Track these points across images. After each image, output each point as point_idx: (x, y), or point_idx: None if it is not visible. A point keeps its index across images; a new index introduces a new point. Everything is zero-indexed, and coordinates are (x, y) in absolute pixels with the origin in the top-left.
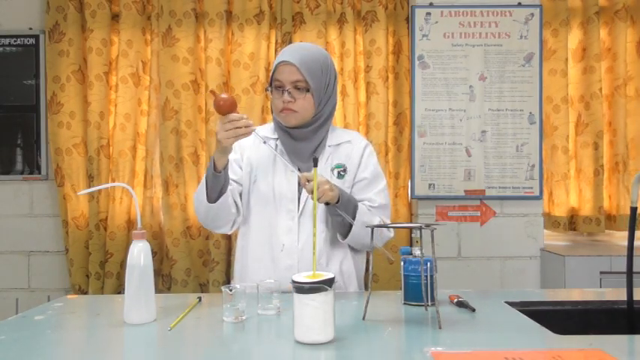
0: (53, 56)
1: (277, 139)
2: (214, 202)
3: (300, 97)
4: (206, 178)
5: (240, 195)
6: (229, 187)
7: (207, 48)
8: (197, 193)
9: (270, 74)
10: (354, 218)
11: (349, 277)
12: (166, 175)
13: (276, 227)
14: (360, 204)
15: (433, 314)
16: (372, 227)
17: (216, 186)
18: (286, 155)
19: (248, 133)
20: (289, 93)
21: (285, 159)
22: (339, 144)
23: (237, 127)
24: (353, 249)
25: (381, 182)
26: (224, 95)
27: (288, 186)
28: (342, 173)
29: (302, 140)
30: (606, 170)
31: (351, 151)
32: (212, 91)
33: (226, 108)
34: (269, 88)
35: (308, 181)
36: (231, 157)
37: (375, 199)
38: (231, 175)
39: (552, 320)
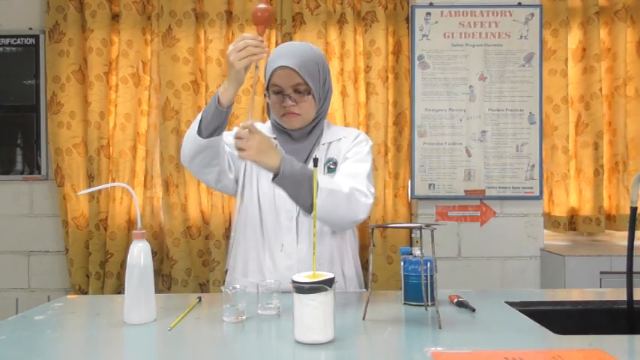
0: (53, 56)
1: (275, 138)
2: (205, 138)
3: (301, 100)
4: (203, 111)
5: (237, 180)
6: (229, 151)
7: (208, 48)
8: (189, 128)
9: (266, 77)
10: (311, 193)
11: (350, 279)
12: (166, 175)
13: (275, 227)
14: (321, 175)
15: (433, 314)
16: (373, 227)
17: (213, 123)
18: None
19: (262, 56)
20: (290, 97)
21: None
22: (331, 142)
23: (250, 47)
24: (353, 250)
25: (360, 152)
26: (262, 5)
27: None
28: (331, 167)
29: (300, 140)
30: (606, 170)
31: (344, 145)
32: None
33: (263, 20)
34: (266, 93)
35: (239, 137)
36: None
37: (341, 170)
38: (232, 149)
39: (552, 320)
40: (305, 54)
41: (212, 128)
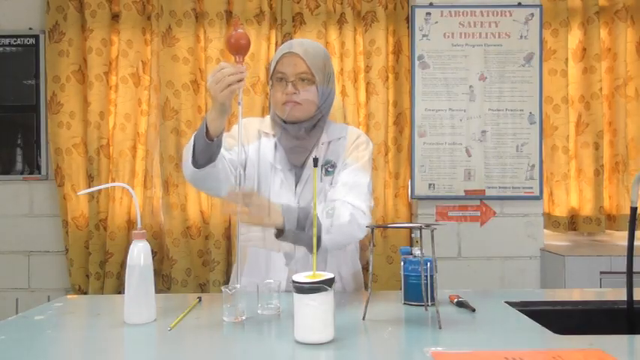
0: (53, 56)
1: (274, 135)
2: (200, 168)
3: (304, 90)
4: (195, 139)
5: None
6: (228, 158)
7: (208, 48)
8: (186, 150)
9: (272, 67)
10: (319, 236)
11: (347, 281)
12: (166, 175)
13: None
14: (320, 211)
15: (433, 314)
16: (373, 227)
17: (206, 153)
18: (284, 153)
19: (241, 82)
20: (293, 85)
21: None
22: (331, 141)
23: (228, 77)
24: (352, 251)
25: (361, 157)
26: (236, 32)
27: (286, 191)
28: (329, 170)
29: (300, 138)
30: (606, 170)
31: (342, 146)
32: (234, 22)
33: (235, 48)
34: (270, 82)
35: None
36: (233, 137)
37: (342, 179)
38: (231, 155)
39: (552, 320)
40: (313, 47)
41: (205, 158)
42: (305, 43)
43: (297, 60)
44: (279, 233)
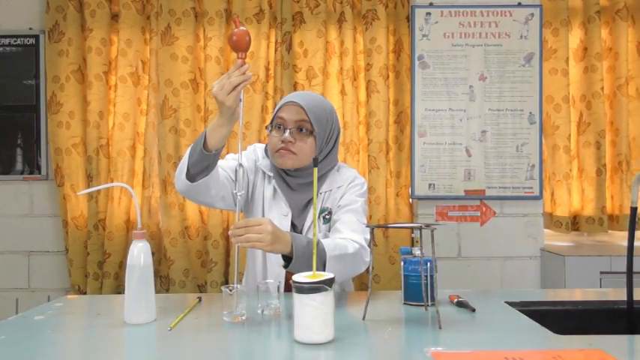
0: (53, 56)
1: (272, 177)
2: (193, 181)
3: (301, 140)
4: (190, 151)
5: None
6: (223, 174)
7: (207, 47)
8: (181, 163)
9: (273, 114)
10: (324, 263)
11: (347, 282)
12: (164, 175)
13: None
14: (324, 240)
15: (433, 314)
16: (372, 227)
17: (201, 164)
18: (283, 199)
19: (246, 83)
20: (291, 133)
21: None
22: (331, 190)
23: (233, 79)
24: None
25: (355, 201)
26: (238, 30)
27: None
28: (326, 217)
29: (298, 190)
30: (608, 170)
31: (340, 193)
32: (234, 20)
33: (238, 45)
34: (269, 127)
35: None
36: (244, 163)
37: (341, 219)
38: (229, 172)
39: (552, 320)
40: (317, 100)
41: (199, 170)
42: (310, 95)
43: (298, 109)
44: (287, 263)
